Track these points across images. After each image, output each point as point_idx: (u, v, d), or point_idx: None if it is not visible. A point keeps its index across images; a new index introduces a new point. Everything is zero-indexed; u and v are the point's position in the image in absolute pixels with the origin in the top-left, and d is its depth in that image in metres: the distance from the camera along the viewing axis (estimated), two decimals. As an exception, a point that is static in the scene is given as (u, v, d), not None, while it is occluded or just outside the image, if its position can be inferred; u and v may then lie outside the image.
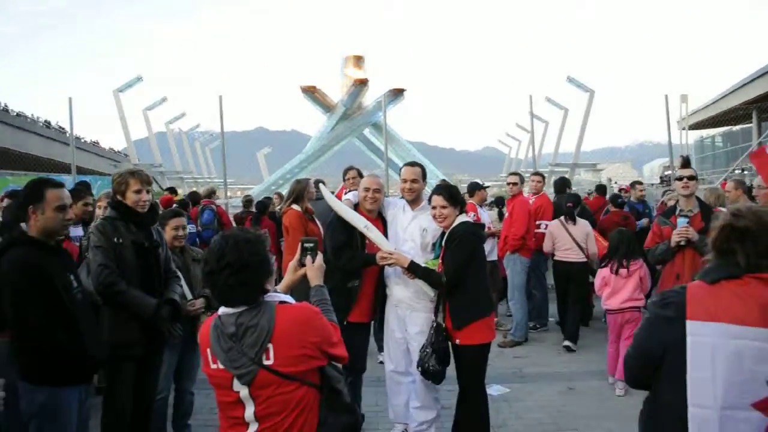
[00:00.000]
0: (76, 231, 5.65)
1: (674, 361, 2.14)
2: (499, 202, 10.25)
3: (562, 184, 9.21)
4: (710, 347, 2.07)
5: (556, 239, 7.77)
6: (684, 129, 23.65)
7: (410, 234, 4.60)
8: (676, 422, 2.13)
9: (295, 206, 6.43)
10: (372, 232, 4.42)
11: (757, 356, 2.02)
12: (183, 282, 4.43)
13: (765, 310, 2.05)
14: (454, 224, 4.30)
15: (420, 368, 4.29)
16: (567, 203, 7.94)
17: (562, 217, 7.78)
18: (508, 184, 8.19)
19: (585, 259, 7.57)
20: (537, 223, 8.13)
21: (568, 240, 7.68)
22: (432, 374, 4.24)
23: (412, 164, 4.74)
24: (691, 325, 2.10)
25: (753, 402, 2.03)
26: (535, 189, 8.52)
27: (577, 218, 7.81)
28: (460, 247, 4.20)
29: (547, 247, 7.85)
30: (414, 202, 4.66)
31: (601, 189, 10.81)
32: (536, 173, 8.88)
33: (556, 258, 7.81)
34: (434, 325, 4.28)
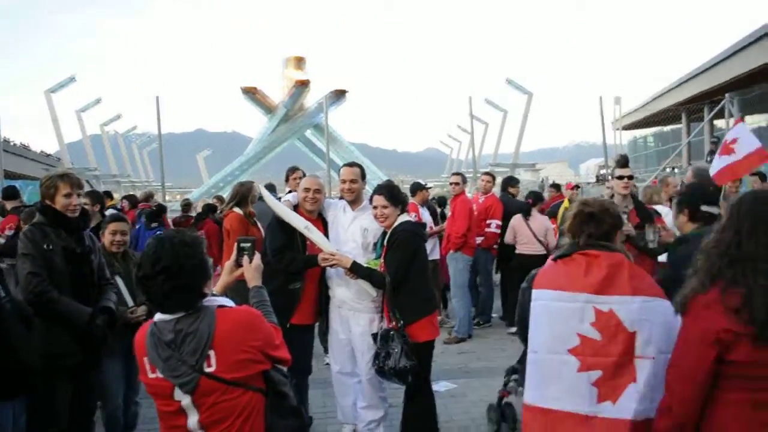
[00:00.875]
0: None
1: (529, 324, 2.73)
2: (441, 202, 10.36)
3: (506, 183, 9.39)
4: (542, 307, 2.67)
5: (518, 233, 8.08)
6: (618, 129, 24.46)
7: (351, 234, 4.60)
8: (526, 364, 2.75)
9: (236, 209, 6.37)
10: (313, 233, 4.42)
11: (569, 314, 2.58)
12: (124, 289, 4.31)
13: (574, 279, 2.61)
14: (396, 224, 4.33)
15: (393, 371, 4.12)
16: (527, 200, 8.34)
17: (521, 214, 8.13)
18: (451, 184, 8.31)
19: (544, 252, 7.78)
20: (488, 222, 8.30)
21: (528, 234, 7.99)
22: (408, 371, 4.12)
23: (351, 164, 4.77)
24: (534, 293, 2.70)
25: (569, 348, 2.57)
26: (484, 189, 8.66)
27: (537, 213, 8.19)
28: (402, 247, 4.23)
29: (508, 238, 8.17)
30: (354, 202, 4.67)
31: (536, 195, 10.96)
32: (487, 173, 9.10)
33: (517, 251, 8.11)
34: (390, 332, 4.19)
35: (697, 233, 3.41)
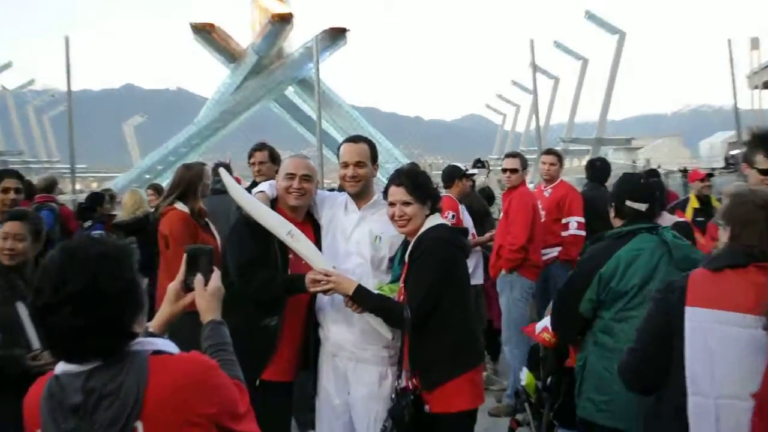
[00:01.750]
0: None
1: (677, 350, 3.03)
2: (488, 196, 10.32)
3: (602, 169, 9.28)
4: (707, 333, 2.94)
5: None
6: (756, 88, 24.31)
7: (356, 244, 4.65)
8: (677, 414, 3.02)
9: (179, 205, 6.42)
10: (299, 243, 4.45)
11: (753, 344, 2.83)
12: (28, 322, 4.31)
13: (761, 298, 2.84)
14: (423, 229, 4.34)
15: None
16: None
17: None
18: (504, 170, 8.26)
19: None
20: (564, 221, 8.25)
21: None
22: None
23: (355, 139, 4.81)
24: (690, 312, 3.01)
25: (753, 392, 2.76)
26: (548, 175, 8.62)
27: (665, 214, 7.90)
28: (431, 264, 4.23)
29: None
30: (361, 196, 4.70)
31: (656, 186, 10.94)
32: (549, 152, 9.04)
33: None
34: (397, 388, 4.28)
35: (615, 232, 4.63)
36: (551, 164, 8.69)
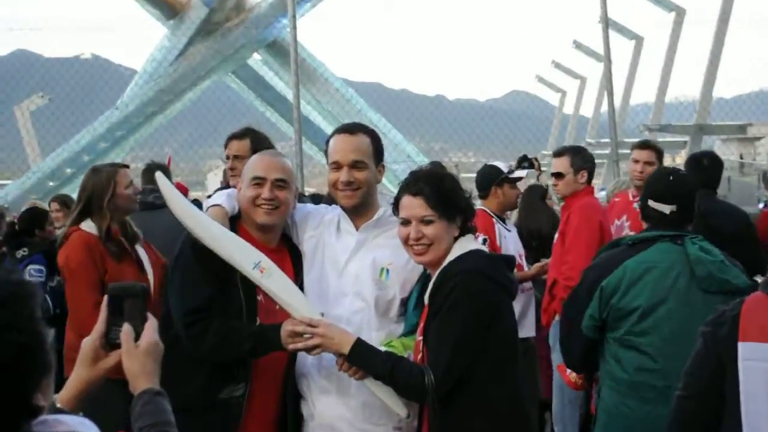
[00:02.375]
0: None
1: (730, 392, 3.30)
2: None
3: (712, 169, 9.03)
4: (765, 373, 3.21)
5: None
6: None
7: (353, 280, 4.66)
8: None
9: (85, 225, 6.51)
10: (271, 279, 4.44)
11: None
12: None
13: None
14: (450, 258, 4.33)
15: None
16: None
17: None
18: (554, 175, 8.27)
19: None
20: None
21: None
22: None
23: (352, 130, 4.81)
24: (743, 348, 3.27)
25: None
26: (642, 179, 8.50)
27: None
28: (462, 310, 4.21)
29: None
30: (360, 210, 4.72)
31: None
32: (644, 145, 8.95)
33: None
34: None
35: (632, 237, 5.34)
36: (647, 163, 8.50)
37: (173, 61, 59.10)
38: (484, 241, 7.74)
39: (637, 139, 12.56)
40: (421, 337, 4.31)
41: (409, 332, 4.44)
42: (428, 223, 4.31)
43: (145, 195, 6.88)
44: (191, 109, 59.37)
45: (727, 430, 3.39)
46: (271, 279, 4.43)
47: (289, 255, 4.79)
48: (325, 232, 4.78)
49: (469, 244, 4.41)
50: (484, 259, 4.42)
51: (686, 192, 5.34)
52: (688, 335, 4.77)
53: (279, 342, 4.35)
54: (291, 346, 4.34)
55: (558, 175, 8.15)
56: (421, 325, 4.33)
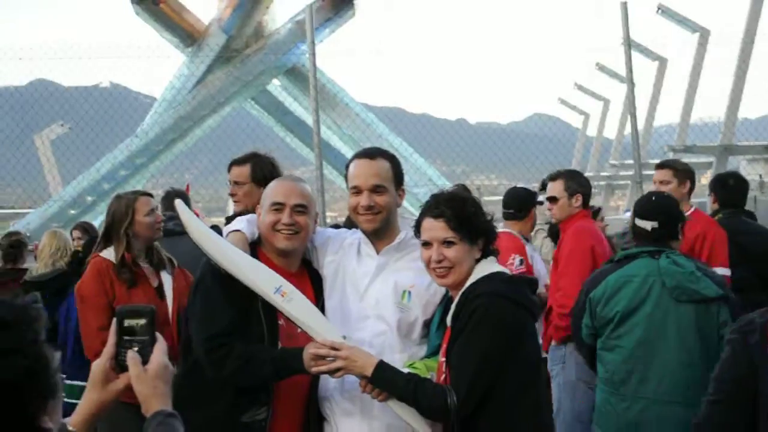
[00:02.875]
0: None
1: (763, 393, 3.44)
2: (552, 230, 10.30)
3: (738, 190, 8.85)
4: None
5: None
6: None
7: (375, 303, 4.67)
8: None
9: (105, 252, 6.59)
10: (293, 303, 4.46)
11: None
12: None
13: None
14: (472, 280, 4.36)
15: None
16: None
17: None
18: (548, 199, 8.23)
19: None
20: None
21: None
22: None
23: (372, 154, 4.82)
24: None
25: None
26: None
27: None
28: (485, 331, 4.22)
29: None
30: (380, 234, 4.75)
31: None
32: (664, 164, 8.72)
33: None
34: None
35: (620, 254, 5.94)
36: (662, 182, 8.31)
37: (192, 88, 59.10)
38: (521, 261, 7.76)
39: (659, 160, 12.52)
40: (444, 359, 4.32)
41: (432, 354, 4.44)
42: (450, 245, 4.34)
43: (165, 222, 6.89)
44: (211, 135, 59.31)
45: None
46: (293, 303, 4.45)
47: (309, 279, 4.79)
48: (345, 256, 4.79)
49: (490, 266, 4.42)
50: (506, 281, 4.42)
51: (667, 210, 5.91)
52: (659, 339, 5.60)
53: (302, 365, 4.36)
54: (314, 369, 4.35)
55: (552, 200, 8.10)
56: (444, 346, 4.34)
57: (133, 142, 57.74)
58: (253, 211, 5.37)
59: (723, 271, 7.66)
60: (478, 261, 4.40)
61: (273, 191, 4.82)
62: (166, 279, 6.73)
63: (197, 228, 4.73)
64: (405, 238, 4.71)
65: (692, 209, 8.26)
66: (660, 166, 8.70)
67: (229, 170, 6.94)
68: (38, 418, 2.31)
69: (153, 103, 64.71)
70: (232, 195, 6.83)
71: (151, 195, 6.96)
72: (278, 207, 4.70)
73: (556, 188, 8.15)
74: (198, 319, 4.62)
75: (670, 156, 30.97)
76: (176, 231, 6.58)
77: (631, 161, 18.75)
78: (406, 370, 4.35)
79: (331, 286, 4.79)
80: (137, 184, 43.78)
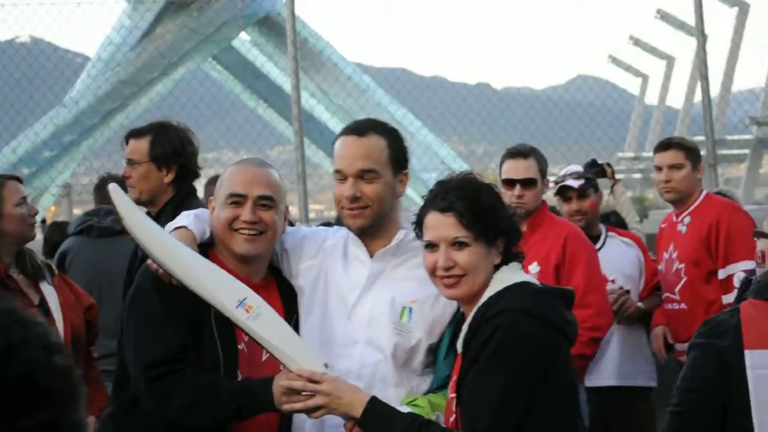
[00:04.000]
0: None
1: (736, 404, 3.84)
2: (618, 223, 10.36)
3: None
4: None
5: None
6: None
7: (366, 323, 4.68)
8: None
9: None
10: (261, 320, 4.43)
11: None
12: None
13: None
14: (489, 293, 4.33)
15: None
16: None
17: None
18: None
19: None
20: (722, 275, 8.21)
21: None
22: None
23: (362, 129, 4.82)
24: (751, 356, 3.80)
25: None
26: (672, 190, 8.59)
27: None
28: (506, 359, 4.19)
29: None
30: (373, 233, 4.75)
31: None
32: (668, 144, 8.79)
33: None
34: None
35: None
36: (672, 167, 8.51)
37: (136, 44, 59.22)
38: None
39: (740, 136, 12.51)
40: (453, 394, 4.27)
41: (439, 387, 4.45)
42: (461, 246, 4.28)
43: (101, 218, 6.85)
44: (160, 105, 59.34)
45: None
46: (260, 320, 4.40)
47: (278, 292, 4.79)
48: (328, 262, 4.77)
49: (513, 274, 4.37)
50: (533, 294, 4.35)
51: None
52: None
53: (270, 401, 4.34)
54: (286, 407, 4.34)
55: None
56: (454, 378, 4.30)
57: (59, 114, 57.65)
58: (150, 201, 5.34)
59: (747, 265, 7.86)
60: (497, 268, 4.36)
61: (230, 179, 4.78)
62: (49, 292, 6.47)
63: (137, 220, 4.66)
64: (405, 238, 4.69)
65: (703, 194, 8.64)
66: (664, 147, 8.80)
67: (126, 144, 6.77)
68: None
69: (85, 64, 64.78)
70: (125, 178, 6.56)
71: (20, 179, 6.64)
72: (237, 200, 4.66)
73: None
74: (135, 341, 4.60)
75: (753, 130, 31.01)
76: (115, 229, 6.57)
77: (702, 137, 18.76)
78: (405, 409, 4.33)
79: (309, 301, 4.78)
80: (65, 169, 43.85)
